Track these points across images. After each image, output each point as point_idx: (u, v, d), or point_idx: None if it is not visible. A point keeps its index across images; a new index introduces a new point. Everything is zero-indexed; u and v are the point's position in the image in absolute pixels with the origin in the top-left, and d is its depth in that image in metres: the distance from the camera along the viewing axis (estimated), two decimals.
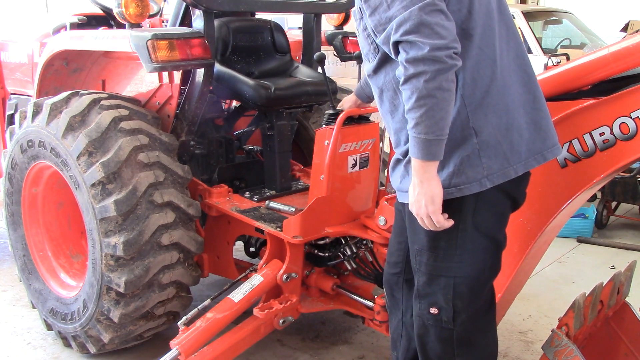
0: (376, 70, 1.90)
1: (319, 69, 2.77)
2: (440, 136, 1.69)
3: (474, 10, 1.78)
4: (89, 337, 2.93)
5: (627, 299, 2.52)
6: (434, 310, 1.97)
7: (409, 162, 1.82)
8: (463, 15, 1.77)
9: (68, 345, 3.13)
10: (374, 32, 1.78)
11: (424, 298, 1.99)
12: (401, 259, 2.18)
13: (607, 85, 2.02)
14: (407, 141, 1.79)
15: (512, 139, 1.84)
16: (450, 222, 1.81)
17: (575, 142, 2.07)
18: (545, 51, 6.90)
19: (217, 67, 3.03)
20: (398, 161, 1.95)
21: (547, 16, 8.28)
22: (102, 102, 2.80)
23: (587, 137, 2.04)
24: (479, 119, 1.80)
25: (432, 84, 1.64)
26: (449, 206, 1.81)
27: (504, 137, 1.83)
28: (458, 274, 1.92)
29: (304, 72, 3.31)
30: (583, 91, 2.09)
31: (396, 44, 1.69)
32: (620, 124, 1.97)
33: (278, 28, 3.39)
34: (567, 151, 2.09)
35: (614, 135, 1.99)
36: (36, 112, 2.95)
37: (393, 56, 1.74)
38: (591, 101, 2.02)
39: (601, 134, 2.01)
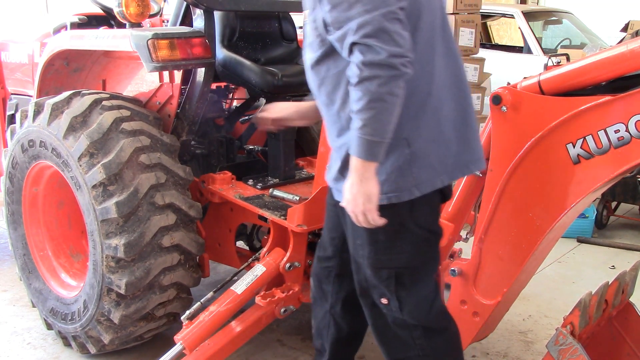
0: (318, 62, 1.94)
1: None
2: (385, 139, 1.75)
3: (419, 27, 1.83)
4: (89, 337, 2.92)
5: (630, 299, 2.52)
6: (384, 301, 2.06)
7: (344, 167, 1.88)
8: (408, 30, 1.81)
9: (68, 345, 3.12)
10: (327, 27, 1.81)
11: (374, 289, 2.07)
12: (334, 254, 2.25)
13: (624, 83, 1.98)
14: (338, 134, 1.91)
15: (441, 152, 1.92)
16: (384, 220, 1.85)
17: (589, 139, 2.03)
18: (545, 51, 6.89)
19: (224, 52, 3.00)
20: (335, 162, 2.00)
21: (547, 16, 8.30)
22: (104, 102, 2.79)
23: (601, 133, 2.00)
24: (412, 131, 1.87)
25: (384, 89, 1.69)
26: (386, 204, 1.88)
27: (434, 150, 1.91)
28: (399, 265, 1.99)
29: None
30: (598, 87, 2.06)
31: (353, 44, 1.72)
32: (636, 121, 1.93)
33: (285, 15, 3.37)
34: (581, 147, 2.05)
35: (630, 132, 1.95)
36: (37, 112, 2.94)
37: (344, 55, 1.78)
38: (607, 98, 1.99)
39: (616, 131, 1.97)
